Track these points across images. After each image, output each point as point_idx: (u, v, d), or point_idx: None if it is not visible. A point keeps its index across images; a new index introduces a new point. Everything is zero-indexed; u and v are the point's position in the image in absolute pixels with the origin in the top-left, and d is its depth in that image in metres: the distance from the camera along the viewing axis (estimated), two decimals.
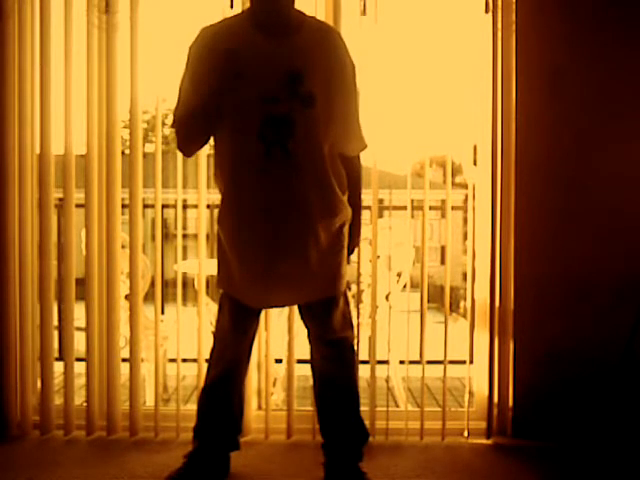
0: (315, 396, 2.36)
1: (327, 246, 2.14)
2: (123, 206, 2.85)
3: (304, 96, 2.03)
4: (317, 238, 2.11)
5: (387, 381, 3.26)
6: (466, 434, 2.86)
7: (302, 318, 2.32)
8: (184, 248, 3.16)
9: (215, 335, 2.36)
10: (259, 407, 2.92)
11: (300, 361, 2.90)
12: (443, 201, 2.98)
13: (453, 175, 2.93)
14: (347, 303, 2.29)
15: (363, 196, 2.79)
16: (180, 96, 2.15)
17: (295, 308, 2.83)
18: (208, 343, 2.95)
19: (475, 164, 2.94)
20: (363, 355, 2.90)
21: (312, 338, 2.29)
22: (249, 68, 2.03)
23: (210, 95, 2.05)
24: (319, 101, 2.05)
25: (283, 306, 2.43)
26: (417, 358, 3.03)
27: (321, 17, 2.66)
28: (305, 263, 2.11)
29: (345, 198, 2.21)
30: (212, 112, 2.07)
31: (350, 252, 2.31)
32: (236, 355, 2.32)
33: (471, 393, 2.95)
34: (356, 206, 2.29)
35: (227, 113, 2.06)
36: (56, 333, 2.95)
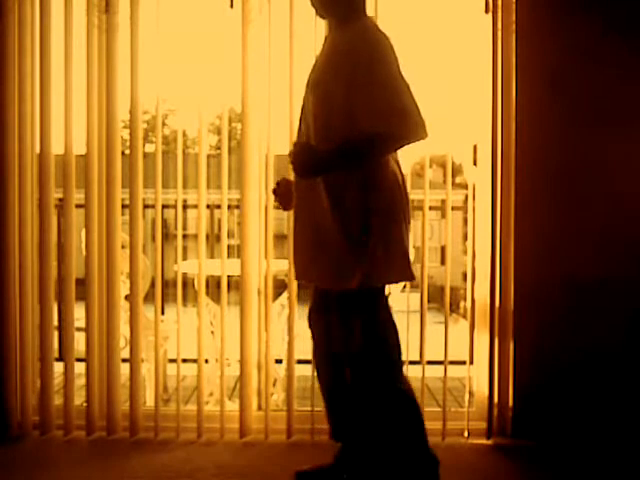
0: None
1: (312, 230, 2.18)
2: (123, 206, 2.85)
3: (310, 83, 2.18)
4: (304, 220, 2.21)
5: None
6: (466, 434, 2.86)
7: None
8: (184, 248, 3.16)
9: None
10: (259, 407, 2.91)
11: (300, 361, 2.89)
12: (443, 201, 2.98)
13: (453, 175, 2.93)
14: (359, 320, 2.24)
15: None
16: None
17: (295, 307, 2.84)
18: (208, 343, 2.97)
19: (475, 164, 2.94)
20: None
21: None
22: None
23: None
24: (321, 88, 2.12)
25: (303, 280, 2.32)
26: (417, 358, 3.02)
27: None
28: (299, 238, 2.26)
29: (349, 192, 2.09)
30: None
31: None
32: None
33: (471, 393, 2.95)
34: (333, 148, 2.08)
35: None
36: (56, 333, 2.95)
